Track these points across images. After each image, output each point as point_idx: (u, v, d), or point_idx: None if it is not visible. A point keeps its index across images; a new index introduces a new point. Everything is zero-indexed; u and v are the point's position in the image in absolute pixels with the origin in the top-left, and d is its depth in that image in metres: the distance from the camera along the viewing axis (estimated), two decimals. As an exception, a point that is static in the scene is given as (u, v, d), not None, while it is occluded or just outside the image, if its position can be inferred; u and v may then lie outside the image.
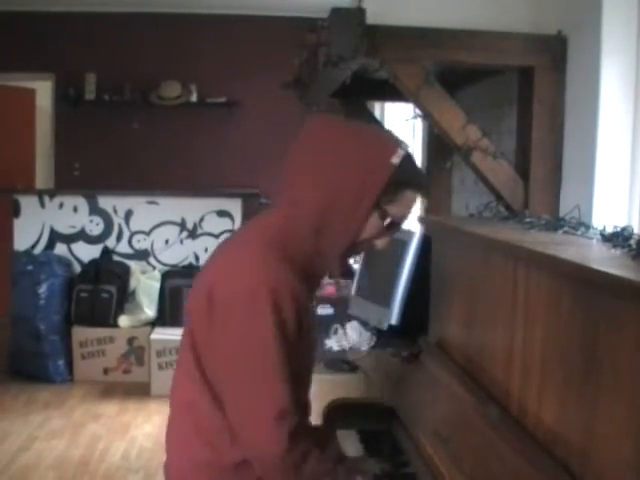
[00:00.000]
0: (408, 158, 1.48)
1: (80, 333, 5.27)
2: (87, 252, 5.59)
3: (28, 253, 5.48)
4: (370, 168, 1.44)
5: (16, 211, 5.54)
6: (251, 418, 1.42)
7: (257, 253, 1.44)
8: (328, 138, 1.50)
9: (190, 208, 5.69)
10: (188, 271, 5.54)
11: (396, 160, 1.45)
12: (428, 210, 3.48)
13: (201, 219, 5.68)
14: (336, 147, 1.48)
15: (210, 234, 5.68)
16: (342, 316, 2.78)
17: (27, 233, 5.55)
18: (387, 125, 5.09)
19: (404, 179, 1.48)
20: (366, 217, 1.47)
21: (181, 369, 1.58)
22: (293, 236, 1.47)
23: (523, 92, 2.33)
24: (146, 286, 5.44)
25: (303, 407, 1.53)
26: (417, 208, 3.94)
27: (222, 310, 1.43)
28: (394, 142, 1.49)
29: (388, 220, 1.51)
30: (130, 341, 5.29)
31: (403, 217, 1.54)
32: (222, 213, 5.70)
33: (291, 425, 1.42)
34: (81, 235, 5.61)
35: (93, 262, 5.50)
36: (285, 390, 1.42)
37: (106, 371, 5.28)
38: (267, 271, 1.42)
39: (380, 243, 1.55)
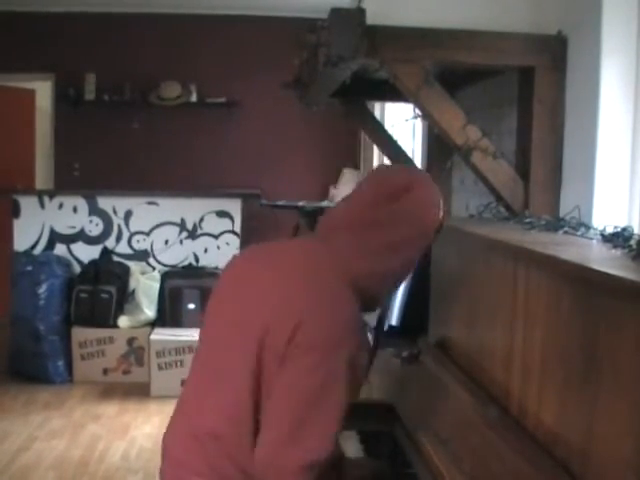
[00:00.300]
0: (443, 209, 1.63)
1: (80, 334, 5.26)
2: (87, 252, 5.59)
3: (28, 253, 5.48)
4: (427, 227, 1.59)
5: (16, 211, 5.54)
6: (284, 454, 1.39)
7: (345, 291, 1.50)
8: (395, 195, 1.58)
9: (190, 208, 5.68)
10: (188, 271, 5.54)
11: (440, 215, 1.61)
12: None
13: (201, 219, 5.68)
14: (401, 206, 1.57)
15: (210, 234, 5.68)
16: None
17: (27, 233, 5.54)
18: (387, 125, 5.09)
19: (439, 227, 1.63)
20: (415, 264, 1.63)
21: (221, 389, 1.50)
22: (365, 277, 1.54)
23: (523, 92, 2.33)
24: (146, 286, 5.44)
25: None
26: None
27: (305, 344, 1.41)
28: (439, 200, 1.62)
29: None
30: (130, 342, 5.29)
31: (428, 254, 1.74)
32: (222, 213, 5.69)
33: (317, 473, 1.41)
34: (81, 235, 5.61)
35: (93, 262, 5.50)
36: (333, 442, 1.42)
37: (106, 371, 5.28)
38: (353, 311, 1.49)
39: None
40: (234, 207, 5.71)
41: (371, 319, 2.72)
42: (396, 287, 1.74)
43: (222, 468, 1.46)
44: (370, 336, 2.66)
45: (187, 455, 1.52)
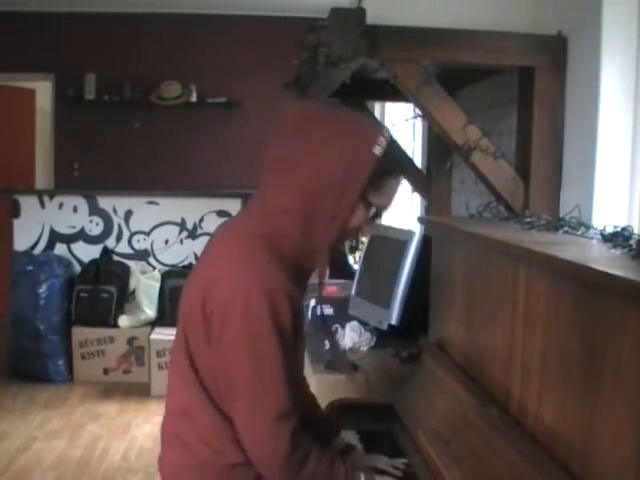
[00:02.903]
0: (390, 145, 1.45)
1: (80, 333, 5.27)
2: (87, 252, 5.59)
3: (28, 253, 5.48)
4: (353, 160, 1.41)
5: (16, 211, 5.54)
6: (254, 420, 1.43)
7: (247, 255, 1.43)
8: (307, 128, 1.44)
9: (190, 208, 5.69)
10: (188, 271, 5.50)
11: (379, 150, 1.42)
12: (428, 210, 3.48)
13: (201, 219, 5.69)
14: (316, 138, 1.42)
15: (210, 234, 5.66)
16: (342, 316, 2.78)
17: (27, 233, 5.55)
18: (387, 125, 5.09)
19: (387, 168, 1.45)
20: (352, 210, 1.45)
21: (175, 371, 1.58)
22: (280, 234, 1.45)
23: (523, 92, 2.33)
24: (146, 286, 5.44)
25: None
26: (416, 208, 3.94)
27: (218, 316, 1.42)
28: (375, 129, 1.46)
29: (373, 209, 1.50)
30: (130, 341, 5.29)
31: (387, 205, 1.53)
32: (222, 213, 5.70)
33: (293, 425, 1.43)
34: (81, 235, 5.62)
35: (93, 262, 5.51)
36: (285, 391, 1.43)
37: (106, 371, 5.28)
38: (260, 273, 1.41)
39: (365, 231, 1.55)
40: (234, 207, 5.71)
41: (371, 318, 2.72)
42: (325, 244, 1.46)
43: (191, 443, 1.52)
44: (370, 335, 2.66)
45: (167, 434, 1.60)
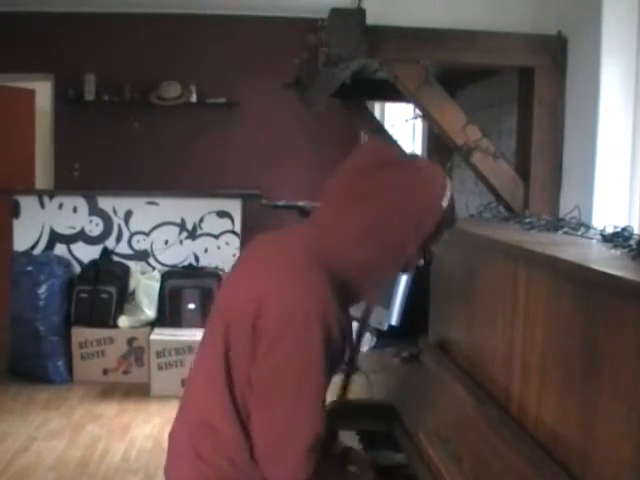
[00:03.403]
0: (452, 199, 1.50)
1: (80, 334, 5.26)
2: (87, 253, 5.59)
3: (28, 254, 5.47)
4: (423, 209, 1.45)
5: (16, 211, 5.54)
6: (285, 446, 1.40)
7: (308, 271, 1.41)
8: (384, 168, 1.46)
9: (190, 209, 5.68)
10: (188, 272, 5.54)
11: (445, 203, 1.47)
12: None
13: (201, 220, 5.68)
14: (393, 179, 1.45)
15: (210, 235, 5.68)
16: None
17: (27, 234, 5.55)
18: (387, 125, 5.10)
19: (447, 221, 1.50)
20: (413, 255, 1.49)
21: (203, 381, 1.52)
22: (339, 263, 1.44)
23: (523, 92, 2.33)
24: (146, 287, 5.44)
25: None
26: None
27: (272, 333, 1.38)
28: (444, 183, 1.49)
29: (428, 256, 1.54)
30: (130, 342, 5.29)
31: (436, 252, 1.57)
32: (222, 214, 5.69)
33: (317, 453, 1.41)
34: (81, 236, 5.61)
35: (93, 263, 5.50)
36: (321, 420, 1.41)
37: (106, 372, 5.28)
38: (319, 293, 1.39)
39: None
40: (234, 207, 5.71)
41: (371, 319, 2.72)
42: (381, 279, 1.54)
43: (210, 456, 1.48)
44: (370, 335, 2.66)
45: (182, 444, 1.55)
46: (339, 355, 1.44)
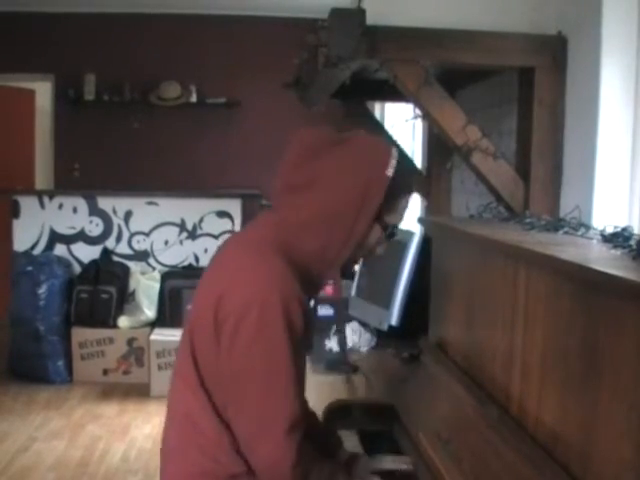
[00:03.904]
0: (399, 165, 1.50)
1: (80, 334, 5.26)
2: (87, 253, 5.59)
3: (28, 254, 5.48)
4: (367, 182, 1.46)
5: (16, 212, 5.54)
6: (264, 431, 1.41)
7: (262, 261, 1.44)
8: (323, 151, 1.49)
9: (190, 209, 5.69)
10: (188, 272, 5.54)
11: (390, 171, 1.47)
12: (428, 210, 3.48)
13: (201, 220, 5.68)
14: (333, 161, 1.48)
15: (210, 235, 5.68)
16: (342, 317, 2.78)
17: (27, 234, 5.55)
18: (387, 125, 5.09)
19: (398, 187, 1.51)
20: (367, 230, 1.50)
21: (179, 376, 1.56)
22: (296, 247, 1.47)
23: (523, 92, 2.33)
24: (146, 287, 5.44)
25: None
26: (416, 209, 3.94)
27: (232, 324, 1.40)
28: (387, 151, 1.50)
29: (388, 228, 1.55)
30: (130, 342, 5.29)
31: (400, 222, 1.58)
32: (222, 214, 5.69)
33: (300, 436, 1.42)
34: (81, 236, 5.62)
35: (93, 263, 5.50)
36: (297, 401, 1.42)
37: (106, 372, 5.28)
38: (276, 279, 1.41)
39: (379, 250, 1.58)
40: (234, 207, 5.71)
41: (371, 319, 2.72)
42: (339, 262, 1.52)
43: (194, 453, 1.50)
44: (370, 335, 2.66)
45: (169, 442, 1.59)
46: (305, 338, 1.45)
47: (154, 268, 5.65)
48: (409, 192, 1.56)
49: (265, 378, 1.41)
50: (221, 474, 1.48)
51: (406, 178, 1.54)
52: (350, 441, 1.93)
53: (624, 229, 1.60)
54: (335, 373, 2.45)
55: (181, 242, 5.69)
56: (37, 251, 5.53)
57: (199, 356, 1.49)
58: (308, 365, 2.31)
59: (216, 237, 5.67)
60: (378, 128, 3.75)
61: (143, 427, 4.47)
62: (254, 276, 1.42)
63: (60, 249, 5.58)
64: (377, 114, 5.67)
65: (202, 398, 1.48)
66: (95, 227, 5.63)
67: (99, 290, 5.31)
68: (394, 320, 2.60)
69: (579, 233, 1.75)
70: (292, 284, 1.42)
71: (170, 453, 1.57)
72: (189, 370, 1.50)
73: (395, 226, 1.56)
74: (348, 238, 1.48)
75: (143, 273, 5.55)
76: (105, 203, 5.63)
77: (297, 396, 1.43)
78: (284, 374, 1.41)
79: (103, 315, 5.29)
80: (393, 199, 1.50)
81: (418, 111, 2.71)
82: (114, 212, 5.64)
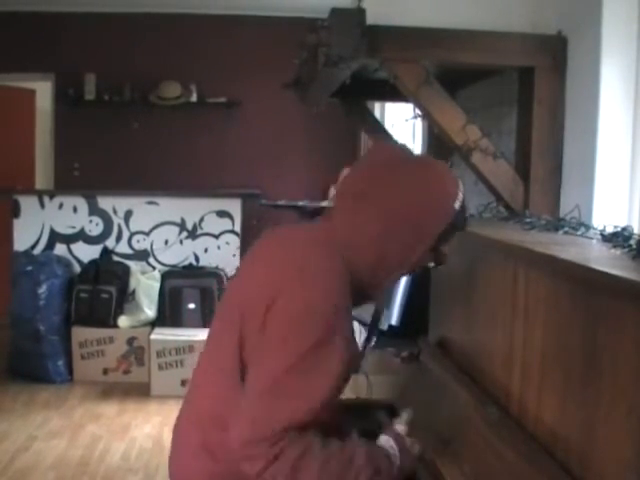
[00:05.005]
0: (464, 201, 1.51)
1: (80, 333, 5.26)
2: (87, 252, 5.59)
3: (28, 253, 5.47)
4: (434, 210, 1.46)
5: (16, 211, 5.54)
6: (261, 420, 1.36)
7: (331, 264, 1.42)
8: (397, 168, 1.48)
9: (190, 208, 5.68)
10: (188, 271, 5.54)
11: (458, 205, 1.48)
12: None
13: (201, 219, 5.68)
14: (406, 179, 1.46)
15: (210, 234, 5.68)
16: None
17: (27, 233, 5.55)
18: (387, 125, 5.09)
19: (458, 223, 1.51)
20: (424, 255, 1.49)
21: (215, 372, 1.51)
22: (356, 258, 1.45)
23: (523, 92, 2.33)
24: (146, 286, 5.44)
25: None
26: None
27: (276, 328, 1.38)
28: (456, 185, 1.50)
29: (439, 258, 1.55)
30: (130, 341, 5.29)
31: (447, 255, 1.57)
32: (222, 213, 5.69)
33: (284, 445, 1.35)
34: (81, 235, 5.61)
35: (93, 262, 5.50)
36: (315, 408, 1.36)
37: (106, 371, 5.28)
38: (334, 287, 1.40)
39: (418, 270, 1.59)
40: (234, 207, 5.71)
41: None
42: (391, 279, 1.53)
43: (220, 452, 1.46)
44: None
45: (191, 440, 1.53)
46: (353, 355, 1.45)
47: (154, 268, 5.65)
48: (463, 228, 1.56)
49: (294, 367, 1.36)
50: (242, 476, 1.42)
51: (466, 215, 1.55)
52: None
53: (624, 229, 1.60)
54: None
55: (181, 242, 5.69)
56: (37, 251, 5.53)
57: (247, 351, 1.44)
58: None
59: (216, 237, 5.67)
60: (378, 128, 3.75)
61: (143, 426, 4.47)
62: (308, 285, 1.39)
63: (60, 249, 5.58)
64: (377, 114, 5.66)
65: (240, 395, 1.41)
66: (95, 227, 5.63)
67: (99, 290, 5.31)
68: (394, 320, 2.60)
69: (579, 233, 1.75)
70: (346, 297, 1.42)
71: (193, 451, 1.52)
72: (232, 365, 1.45)
73: (445, 256, 1.56)
74: (404, 260, 1.47)
75: (143, 273, 5.55)
76: (105, 203, 5.63)
77: (319, 402, 1.37)
78: (320, 388, 1.37)
79: (103, 315, 5.29)
80: (450, 231, 1.50)
81: (418, 111, 2.71)
82: (114, 212, 5.64)
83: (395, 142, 1.58)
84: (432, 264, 1.56)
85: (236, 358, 1.45)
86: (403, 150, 1.58)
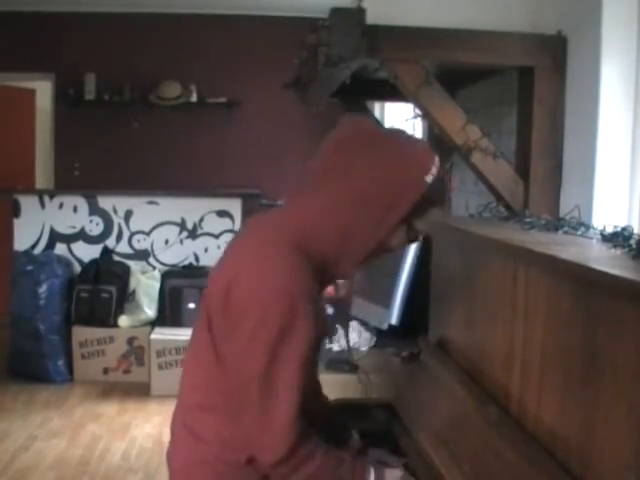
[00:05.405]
0: (438, 175, 1.47)
1: (80, 333, 5.27)
2: (87, 252, 5.59)
3: (28, 253, 5.48)
4: (405, 182, 1.43)
5: (16, 211, 5.54)
6: (263, 426, 1.41)
7: (280, 252, 1.41)
8: (363, 141, 1.46)
9: (190, 208, 5.69)
10: (188, 271, 5.54)
11: (430, 179, 1.44)
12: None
13: (201, 219, 5.69)
14: (371, 152, 1.44)
15: (210, 234, 5.68)
16: (348, 316, 2.78)
17: (27, 233, 5.55)
18: (387, 125, 5.09)
19: (433, 197, 1.48)
20: (393, 230, 1.46)
21: (196, 365, 1.55)
22: (315, 237, 1.44)
23: (523, 92, 2.33)
24: (146, 286, 5.44)
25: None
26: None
27: (239, 309, 1.40)
28: (430, 157, 1.47)
29: (412, 233, 1.52)
30: (130, 341, 5.29)
31: (424, 231, 1.56)
32: (222, 213, 5.70)
33: (300, 428, 1.42)
34: (81, 235, 5.62)
35: (93, 262, 5.50)
36: (300, 394, 1.41)
37: (106, 371, 5.28)
38: (289, 273, 1.39)
39: (395, 249, 1.55)
40: (234, 207, 5.71)
41: (371, 318, 2.72)
42: (359, 253, 1.47)
43: (206, 435, 1.51)
44: (370, 335, 2.66)
45: (178, 428, 1.58)
46: (316, 336, 1.45)
47: (154, 267, 5.65)
48: (439, 204, 1.54)
49: (265, 375, 1.39)
50: (236, 459, 1.48)
51: (442, 190, 1.54)
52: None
53: (624, 229, 1.60)
54: (335, 372, 2.45)
55: (181, 241, 5.69)
56: (37, 250, 5.53)
57: (217, 342, 1.48)
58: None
59: (216, 236, 5.67)
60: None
61: (143, 426, 4.47)
62: (266, 266, 1.40)
63: (60, 248, 5.58)
64: (377, 114, 5.67)
65: (221, 384, 1.47)
66: (95, 226, 5.63)
67: (99, 289, 5.31)
68: (394, 319, 2.61)
69: (579, 233, 1.75)
70: (306, 279, 1.40)
71: (182, 438, 1.57)
72: (208, 357, 1.49)
73: (419, 232, 1.53)
74: (370, 235, 1.44)
75: (143, 272, 5.55)
76: (105, 202, 5.63)
77: (301, 388, 1.41)
78: (287, 371, 1.40)
79: (103, 314, 5.29)
80: (425, 206, 1.47)
81: (418, 111, 2.71)
82: (114, 211, 5.64)
83: (367, 117, 1.55)
84: (409, 240, 1.53)
85: (209, 347, 1.49)
86: (372, 124, 1.55)
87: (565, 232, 1.77)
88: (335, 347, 2.64)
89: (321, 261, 1.44)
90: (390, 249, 1.53)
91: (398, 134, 1.53)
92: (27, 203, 5.55)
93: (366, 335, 2.68)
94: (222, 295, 1.43)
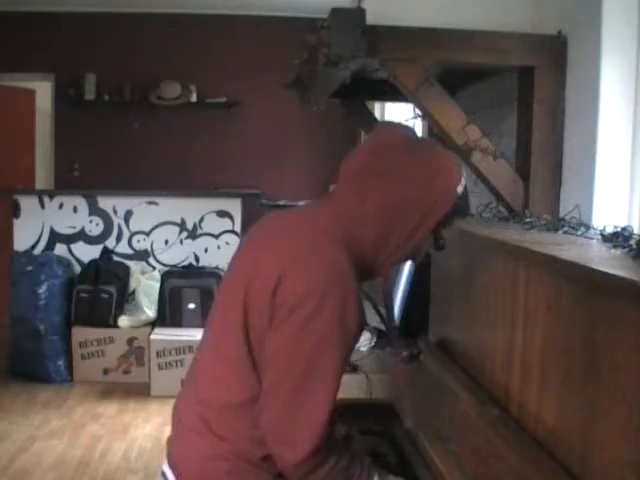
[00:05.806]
0: (466, 187, 1.53)
1: (80, 333, 5.26)
2: (87, 252, 5.59)
3: (28, 253, 5.48)
4: (442, 190, 1.48)
5: (16, 211, 5.54)
6: (293, 424, 1.39)
7: (333, 247, 1.43)
8: (403, 149, 1.50)
9: (190, 208, 5.69)
10: (188, 271, 5.54)
11: (460, 190, 1.50)
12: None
13: (201, 219, 5.68)
14: (412, 161, 1.49)
15: (210, 234, 5.68)
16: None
17: (27, 233, 5.55)
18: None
19: (460, 208, 1.54)
20: (425, 238, 1.52)
21: (221, 360, 1.53)
22: (359, 237, 1.48)
23: (523, 92, 2.33)
24: (146, 286, 5.44)
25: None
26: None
27: (286, 310, 1.39)
28: (460, 168, 1.53)
29: (440, 241, 1.57)
30: (130, 341, 5.29)
31: (448, 240, 1.60)
32: (222, 213, 5.69)
33: (326, 435, 1.41)
34: (81, 235, 5.62)
35: (93, 262, 5.50)
36: (335, 396, 1.41)
37: (106, 371, 5.28)
38: (343, 266, 1.41)
39: (422, 255, 1.61)
40: (234, 207, 5.71)
41: (371, 318, 2.72)
42: (392, 259, 1.53)
43: (232, 435, 1.49)
44: (370, 335, 2.66)
45: (197, 423, 1.55)
46: (358, 332, 1.45)
47: (154, 268, 5.65)
48: (464, 215, 1.59)
49: (307, 368, 1.38)
50: (255, 454, 1.47)
51: (467, 201, 1.57)
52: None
53: (624, 229, 1.60)
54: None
55: (181, 242, 5.69)
56: (37, 251, 5.53)
57: (254, 337, 1.46)
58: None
59: (216, 237, 5.67)
60: (378, 128, 3.74)
61: (143, 427, 4.47)
62: (316, 265, 1.41)
63: (60, 249, 5.58)
64: (377, 114, 5.67)
65: (254, 383, 1.45)
66: (95, 227, 5.63)
67: (99, 290, 5.31)
68: (394, 319, 2.60)
69: (579, 233, 1.75)
70: (351, 277, 1.42)
71: (199, 431, 1.53)
72: (239, 352, 1.47)
73: (445, 240, 1.58)
74: (407, 239, 1.49)
75: (143, 273, 5.55)
76: (105, 203, 5.63)
77: (337, 390, 1.41)
78: (333, 366, 1.39)
79: (103, 315, 5.29)
80: (451, 216, 1.53)
81: (418, 111, 2.71)
82: (114, 212, 5.64)
83: (400, 124, 1.59)
84: (431, 249, 1.58)
85: (241, 343, 1.47)
86: (407, 132, 1.58)
87: (565, 232, 1.77)
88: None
89: (360, 259, 1.47)
90: (419, 254, 1.58)
91: (431, 144, 1.59)
92: (27, 203, 5.55)
93: (366, 335, 2.67)
94: (271, 289, 1.41)
